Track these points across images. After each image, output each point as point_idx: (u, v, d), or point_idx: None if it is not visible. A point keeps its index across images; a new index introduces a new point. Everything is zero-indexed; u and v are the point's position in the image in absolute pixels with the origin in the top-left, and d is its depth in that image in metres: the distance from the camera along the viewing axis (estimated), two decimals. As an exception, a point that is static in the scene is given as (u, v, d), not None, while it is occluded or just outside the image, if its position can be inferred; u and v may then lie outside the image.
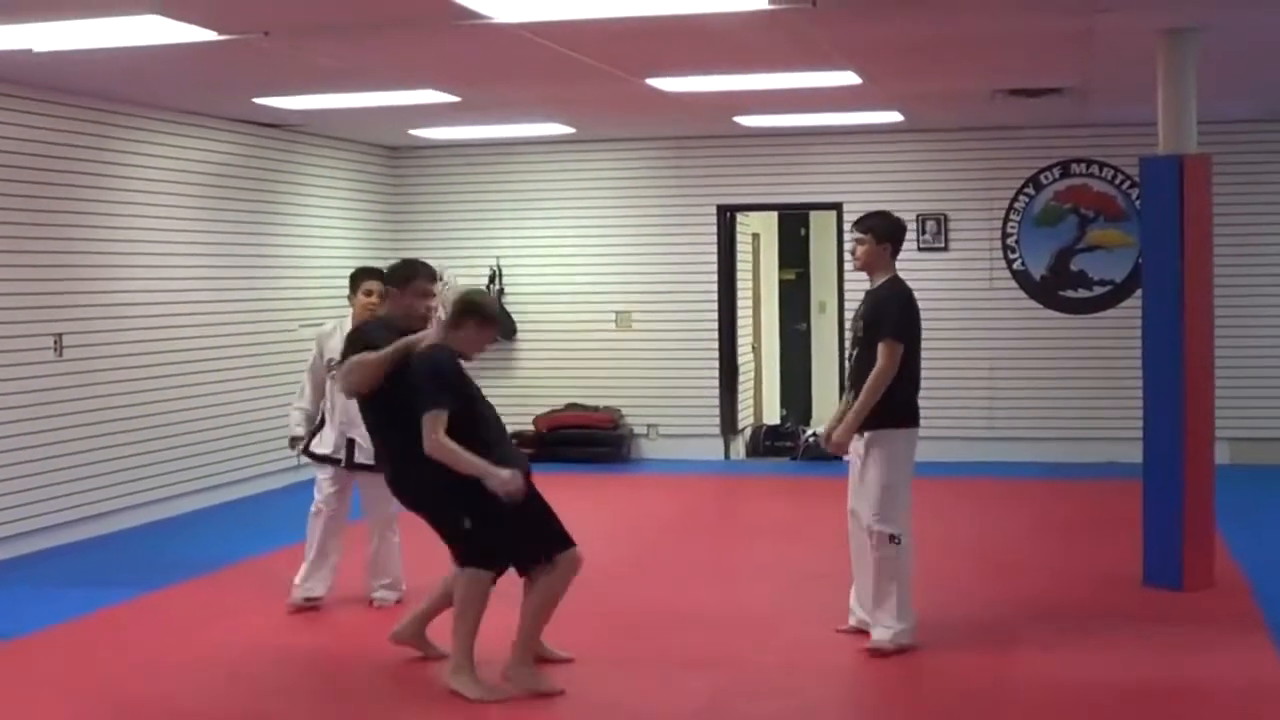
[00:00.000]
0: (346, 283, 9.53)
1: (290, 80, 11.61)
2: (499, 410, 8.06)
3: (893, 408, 8.16)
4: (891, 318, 8.21)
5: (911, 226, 15.40)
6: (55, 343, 11.74)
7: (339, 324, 9.38)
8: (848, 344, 8.79)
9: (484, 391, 7.97)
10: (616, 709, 7.33)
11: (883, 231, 8.37)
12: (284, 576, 9.46)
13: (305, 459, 9.70)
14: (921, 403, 8.35)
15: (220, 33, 9.03)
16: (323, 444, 9.34)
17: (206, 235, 13.68)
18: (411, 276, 8.22)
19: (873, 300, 8.35)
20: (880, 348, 8.13)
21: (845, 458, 8.43)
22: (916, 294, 8.47)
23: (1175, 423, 9.49)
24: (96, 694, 7.61)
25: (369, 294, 9.21)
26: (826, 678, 7.92)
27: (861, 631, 8.36)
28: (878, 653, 8.10)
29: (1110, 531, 11.29)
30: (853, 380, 8.45)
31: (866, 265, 8.44)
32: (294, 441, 9.76)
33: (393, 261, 8.73)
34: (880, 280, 8.39)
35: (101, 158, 12.29)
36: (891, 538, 8.11)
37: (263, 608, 9.31)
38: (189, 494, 13.28)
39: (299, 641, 8.71)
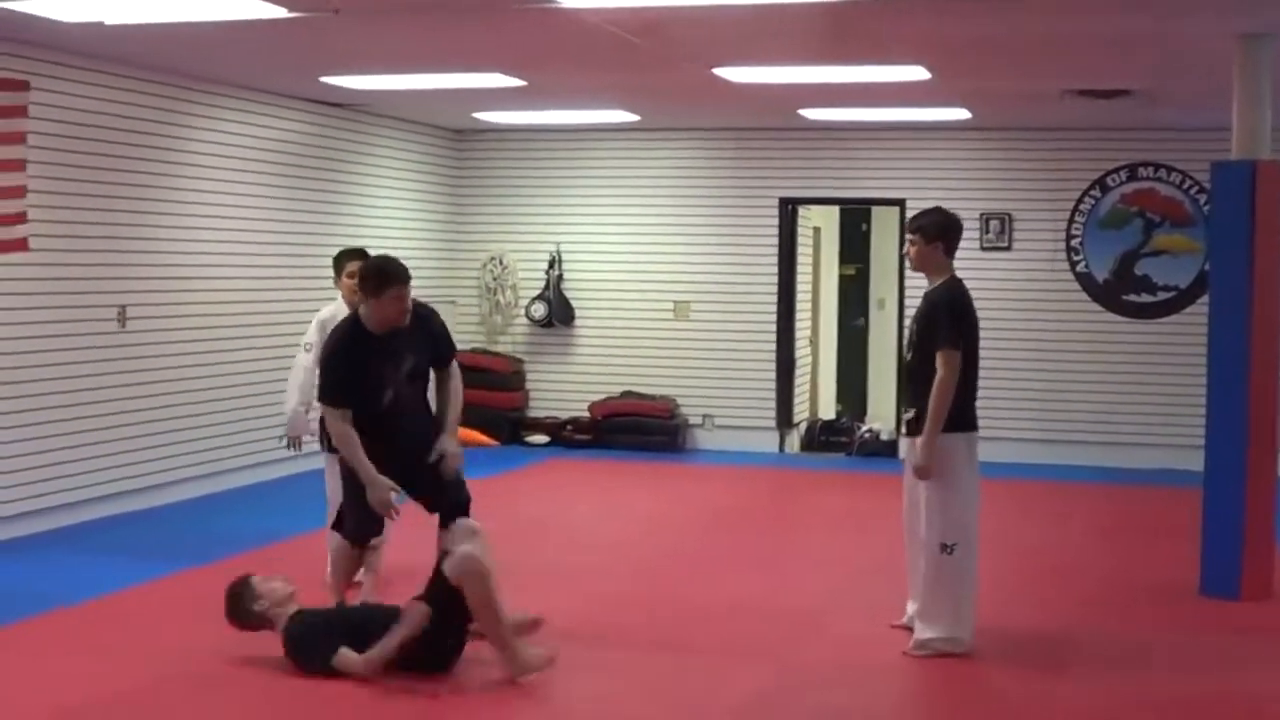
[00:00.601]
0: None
1: (358, 60, 11.63)
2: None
3: (951, 412, 7.98)
4: (945, 326, 7.99)
5: (975, 225, 15.37)
6: (119, 315, 11.80)
7: (337, 308, 9.26)
8: (905, 345, 8.65)
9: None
10: (665, 698, 7.31)
11: (933, 230, 8.15)
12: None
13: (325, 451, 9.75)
14: (980, 404, 8.24)
15: (290, 10, 9.03)
16: None
17: (270, 212, 13.73)
18: (384, 284, 7.92)
19: (926, 305, 8.17)
20: (938, 358, 7.93)
21: (901, 458, 8.32)
22: (977, 293, 8.33)
23: (1238, 431, 9.40)
24: (140, 663, 7.62)
25: (352, 276, 8.86)
26: (876, 675, 7.87)
27: (909, 629, 8.32)
28: (914, 655, 8.03)
29: (1167, 539, 11.19)
30: (908, 385, 8.36)
31: (920, 265, 8.26)
32: (294, 443, 9.83)
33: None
34: (936, 282, 8.18)
35: (169, 132, 12.34)
36: (943, 546, 8.01)
37: (315, 583, 9.33)
38: (248, 468, 13.32)
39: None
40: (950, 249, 8.18)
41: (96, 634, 8.32)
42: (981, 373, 8.26)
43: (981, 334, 8.24)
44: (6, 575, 9.72)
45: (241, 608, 7.66)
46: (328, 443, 8.85)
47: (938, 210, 8.34)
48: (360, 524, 8.24)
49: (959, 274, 8.22)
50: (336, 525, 8.43)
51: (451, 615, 7.44)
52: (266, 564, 9.60)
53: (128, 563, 10.10)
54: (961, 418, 8.02)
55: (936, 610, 8.04)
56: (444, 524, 8.14)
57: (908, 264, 8.60)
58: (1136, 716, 7.21)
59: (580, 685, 7.49)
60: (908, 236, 8.35)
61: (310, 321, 9.55)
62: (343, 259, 9.38)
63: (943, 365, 7.91)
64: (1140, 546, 11.31)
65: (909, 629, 8.31)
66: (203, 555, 10.29)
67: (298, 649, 7.46)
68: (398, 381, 8.04)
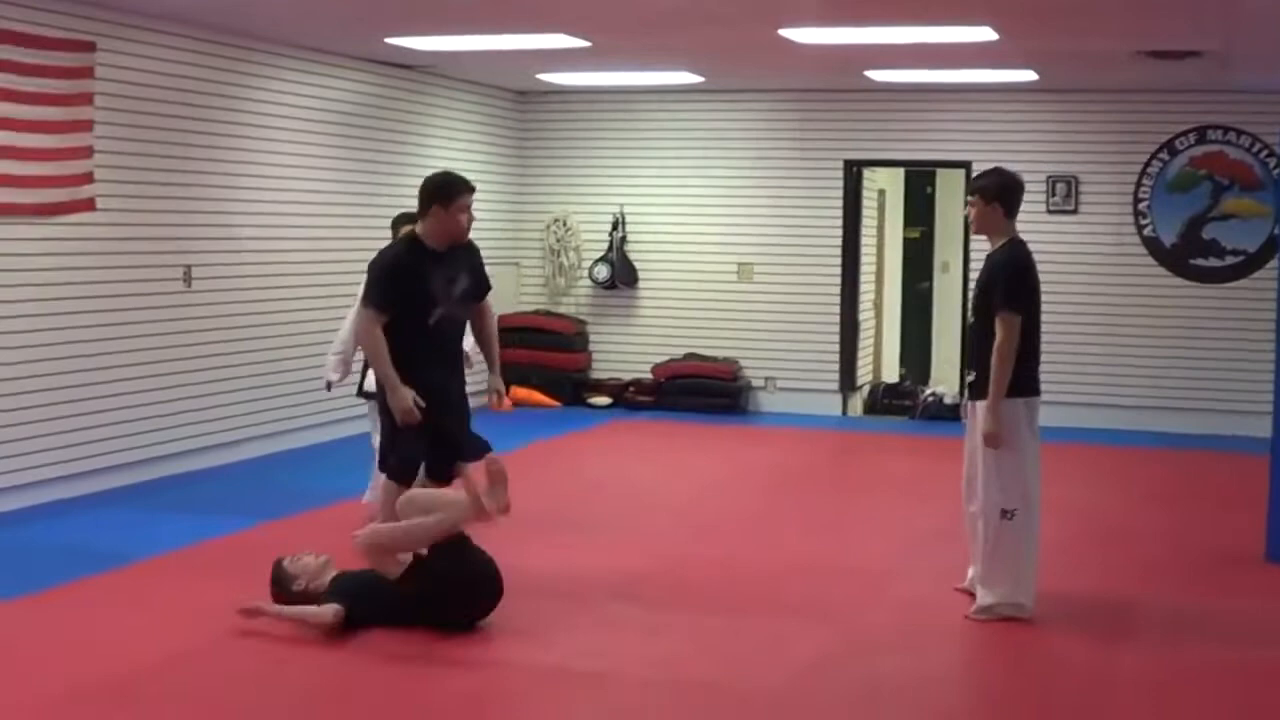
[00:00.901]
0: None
1: (423, 21, 11.64)
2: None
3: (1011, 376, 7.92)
4: (1004, 288, 7.91)
5: (1041, 189, 15.29)
6: (185, 274, 11.87)
7: None
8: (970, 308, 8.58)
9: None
10: (726, 659, 7.31)
11: (992, 191, 8.06)
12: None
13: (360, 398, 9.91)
14: (1044, 367, 8.18)
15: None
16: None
17: (335, 173, 13.77)
18: (454, 193, 8.14)
19: (988, 268, 8.10)
20: (997, 321, 7.87)
21: (963, 421, 8.29)
22: (1043, 257, 8.25)
23: (1306, 397, 9.34)
24: (202, 621, 7.64)
25: None
26: (937, 638, 7.86)
27: (972, 594, 8.30)
28: (976, 619, 8.01)
29: (1235, 506, 11.10)
30: (971, 348, 8.33)
31: (980, 227, 8.17)
32: (329, 386, 10.17)
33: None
34: (997, 244, 8.09)
35: (234, 93, 12.38)
36: (1004, 513, 7.98)
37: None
38: (312, 427, 13.39)
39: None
40: (1010, 210, 8.08)
41: (158, 591, 8.39)
42: (1046, 337, 8.19)
43: (1046, 298, 8.16)
44: (71, 533, 9.79)
45: (286, 591, 7.69)
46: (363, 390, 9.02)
47: (997, 171, 8.23)
48: (403, 459, 8.24)
49: (1024, 237, 8.15)
50: (383, 465, 8.44)
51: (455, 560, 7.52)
52: (330, 521, 9.70)
53: (193, 520, 10.17)
54: (1022, 382, 7.93)
55: (998, 575, 8.01)
56: (466, 459, 8.19)
57: (969, 224, 8.46)
58: (1199, 684, 7.16)
59: (642, 647, 7.50)
60: (967, 198, 8.31)
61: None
62: (401, 221, 9.42)
63: (1002, 328, 7.85)
64: (1206, 513, 11.23)
65: (970, 593, 8.30)
66: (268, 513, 10.38)
67: (353, 611, 7.48)
68: (449, 301, 8.15)
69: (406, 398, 7.95)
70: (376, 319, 8.02)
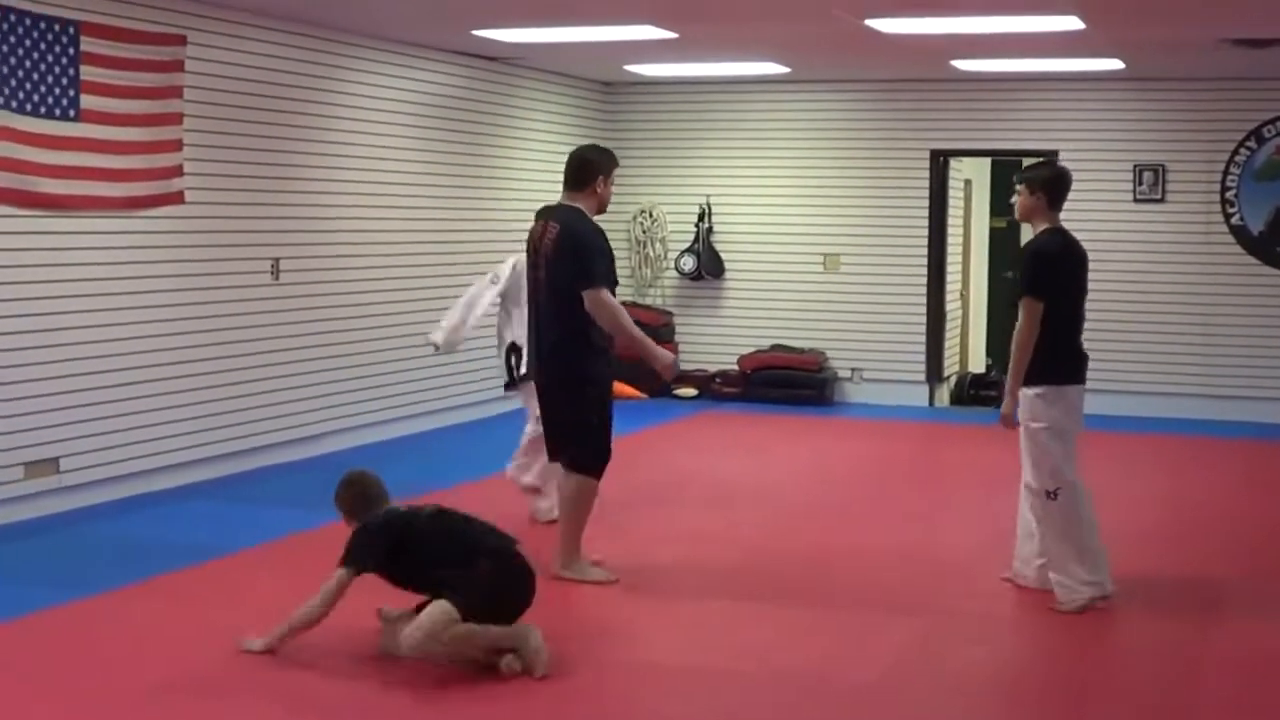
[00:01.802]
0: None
1: (511, 13, 11.69)
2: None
3: (1039, 363, 8.07)
4: (1029, 273, 8.10)
5: (1128, 177, 15.22)
6: (273, 267, 11.96)
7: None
8: None
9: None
10: (819, 652, 7.32)
11: (1038, 182, 8.21)
12: (490, 503, 9.57)
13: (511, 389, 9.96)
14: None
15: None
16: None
17: (422, 166, 13.85)
18: (614, 164, 8.59)
19: (1021, 255, 8.33)
20: (1020, 306, 8.09)
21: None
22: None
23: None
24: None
25: None
26: (1027, 628, 7.89)
27: (1013, 583, 8.42)
28: (1063, 611, 7.98)
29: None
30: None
31: (1024, 216, 8.33)
32: (439, 348, 10.42)
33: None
34: (1038, 230, 8.25)
35: (322, 86, 12.48)
36: (1048, 494, 8.06)
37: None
38: (399, 419, 13.48)
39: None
40: (1055, 201, 8.20)
41: (249, 584, 8.46)
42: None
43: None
44: (165, 525, 9.91)
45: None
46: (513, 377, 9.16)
47: (1048, 163, 8.55)
48: (599, 452, 8.38)
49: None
50: (577, 459, 8.40)
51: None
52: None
53: (284, 513, 10.26)
54: (1059, 369, 8.10)
55: (1062, 556, 8.04)
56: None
57: (1014, 212, 8.58)
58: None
59: (732, 639, 7.53)
60: (1016, 185, 8.42)
61: (466, 274, 9.69)
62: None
63: (1021, 313, 8.08)
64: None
65: (1015, 583, 8.42)
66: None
67: None
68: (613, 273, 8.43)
69: (669, 355, 8.39)
70: (609, 294, 8.16)
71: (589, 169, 8.42)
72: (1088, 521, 8.09)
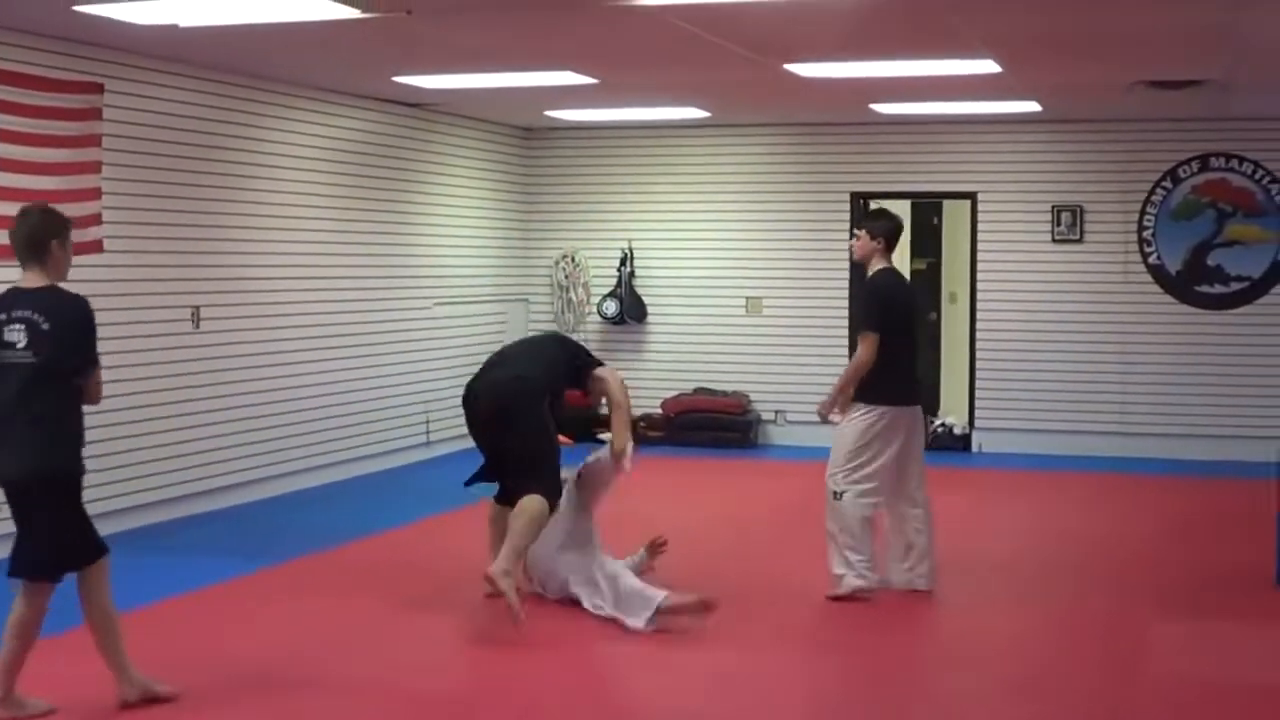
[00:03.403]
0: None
1: (431, 59, 11.70)
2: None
3: (864, 385, 9.07)
4: (863, 310, 9.54)
5: (1046, 218, 15.42)
6: (193, 315, 11.91)
7: None
8: None
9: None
10: (743, 698, 7.33)
11: (879, 231, 9.31)
12: (408, 553, 9.57)
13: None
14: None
15: (364, 11, 9.09)
16: None
17: (343, 213, 13.82)
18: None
19: (859, 292, 9.08)
20: (859, 339, 9.18)
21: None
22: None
23: (1312, 422, 9.37)
24: (219, 664, 7.66)
25: None
26: (944, 664, 7.90)
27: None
28: (834, 599, 9.03)
29: (1243, 531, 11.13)
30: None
31: (862, 257, 9.40)
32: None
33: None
34: (871, 271, 9.30)
35: (242, 134, 12.44)
36: (834, 494, 9.11)
37: (382, 583, 9.40)
38: (321, 468, 13.43)
39: (410, 618, 8.76)
40: (890, 247, 9.36)
41: (169, 636, 8.34)
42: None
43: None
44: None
45: None
46: None
47: (887, 214, 9.68)
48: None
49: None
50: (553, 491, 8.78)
51: None
52: (338, 563, 9.70)
53: (202, 563, 10.18)
54: (887, 392, 9.09)
55: (832, 551, 9.17)
56: None
57: (852, 253, 9.81)
58: (1211, 706, 7.20)
59: (644, 682, 7.55)
60: (855, 230, 9.68)
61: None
62: None
63: (861, 347, 9.14)
64: (1215, 539, 11.27)
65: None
66: (275, 555, 10.37)
67: None
68: None
69: None
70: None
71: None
72: (860, 529, 9.09)
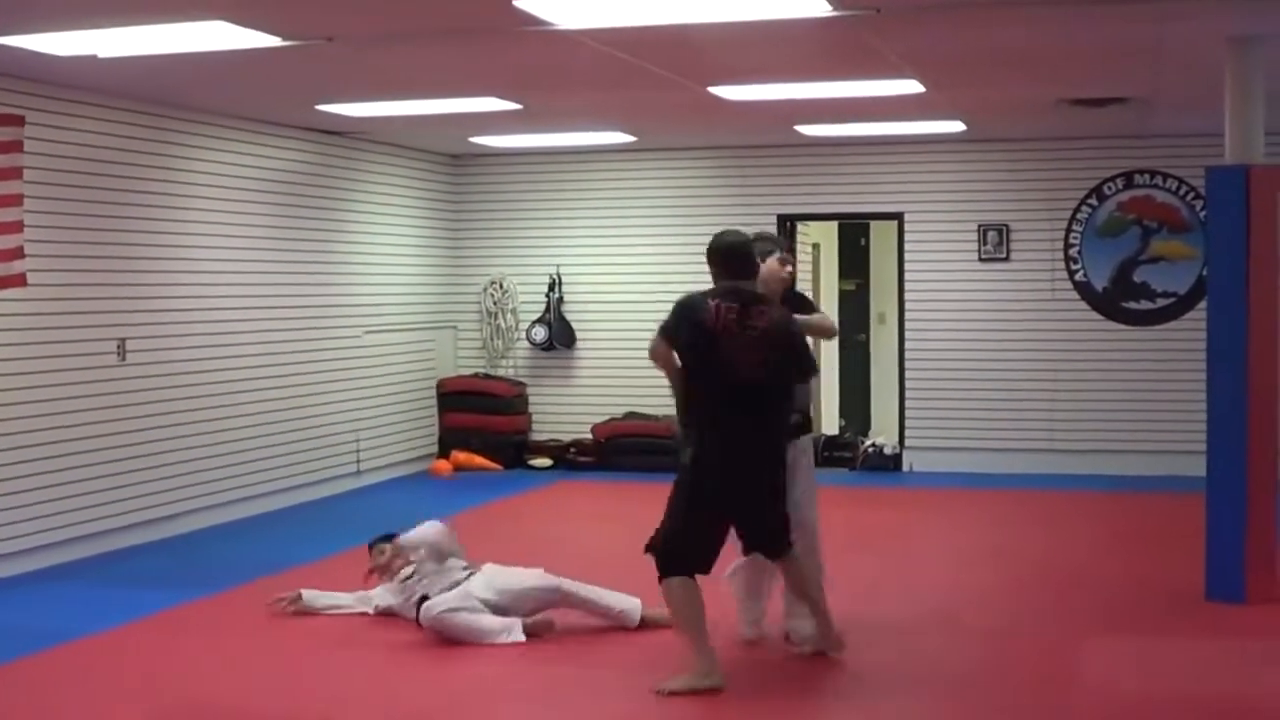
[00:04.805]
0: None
1: (353, 87, 11.67)
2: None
3: None
4: None
5: (973, 237, 15.49)
6: (118, 347, 11.82)
7: None
8: None
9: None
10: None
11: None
12: (340, 584, 9.52)
13: None
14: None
15: (284, 39, 9.07)
16: None
17: (269, 242, 13.75)
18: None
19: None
20: None
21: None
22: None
23: (1238, 436, 9.41)
24: (150, 695, 7.61)
25: None
26: (883, 689, 7.89)
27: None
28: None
29: (1171, 545, 11.20)
30: None
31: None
32: None
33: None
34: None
35: (165, 164, 12.36)
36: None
37: (312, 615, 9.34)
38: (250, 499, 13.34)
39: (353, 649, 8.71)
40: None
41: (99, 669, 8.28)
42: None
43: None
44: (7, 612, 9.69)
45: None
46: None
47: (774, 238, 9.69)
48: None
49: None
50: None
51: None
52: (271, 594, 9.63)
53: (131, 595, 10.08)
54: None
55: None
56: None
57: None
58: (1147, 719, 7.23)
59: (592, 706, 7.49)
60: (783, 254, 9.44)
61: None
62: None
63: None
64: (1145, 554, 11.30)
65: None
66: (207, 586, 10.29)
67: None
68: None
69: None
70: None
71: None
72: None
